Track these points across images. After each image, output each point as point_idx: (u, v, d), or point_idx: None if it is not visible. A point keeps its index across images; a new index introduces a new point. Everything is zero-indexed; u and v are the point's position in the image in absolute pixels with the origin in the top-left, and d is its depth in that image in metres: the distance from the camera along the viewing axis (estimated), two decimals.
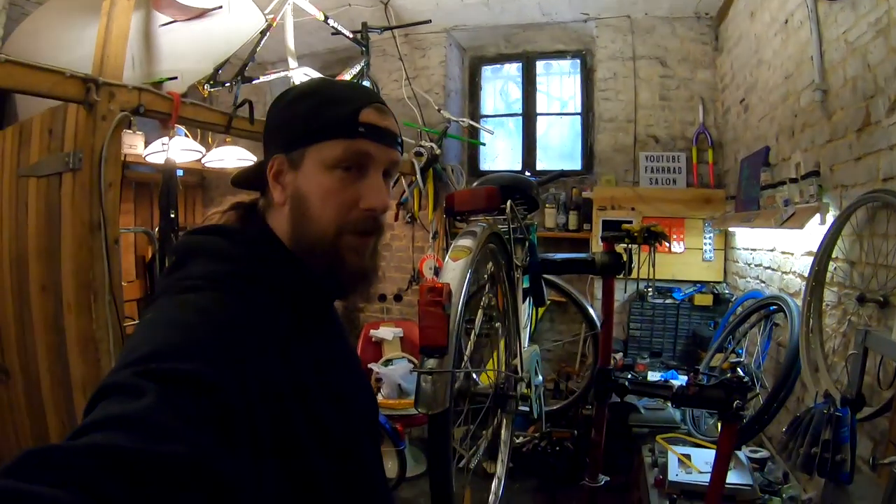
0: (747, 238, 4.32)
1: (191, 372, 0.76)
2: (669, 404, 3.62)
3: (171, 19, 3.09)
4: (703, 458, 2.97)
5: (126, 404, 0.70)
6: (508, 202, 2.43)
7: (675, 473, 2.88)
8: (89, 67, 2.37)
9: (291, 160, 1.04)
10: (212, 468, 0.69)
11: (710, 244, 4.95)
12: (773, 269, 3.65)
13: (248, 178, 1.18)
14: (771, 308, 3.41)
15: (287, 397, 0.91)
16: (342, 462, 1.01)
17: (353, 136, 1.02)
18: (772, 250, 3.67)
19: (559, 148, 6.23)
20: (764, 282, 3.84)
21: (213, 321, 0.88)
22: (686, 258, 5.00)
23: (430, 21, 5.11)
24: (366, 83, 4.36)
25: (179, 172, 5.64)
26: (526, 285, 2.82)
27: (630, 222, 4.79)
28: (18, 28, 3.53)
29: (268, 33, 3.49)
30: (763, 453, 3.12)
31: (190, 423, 0.71)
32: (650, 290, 4.85)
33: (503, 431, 2.62)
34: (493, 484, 2.58)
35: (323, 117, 1.03)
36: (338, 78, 4.03)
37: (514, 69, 6.35)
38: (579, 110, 6.01)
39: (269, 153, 1.08)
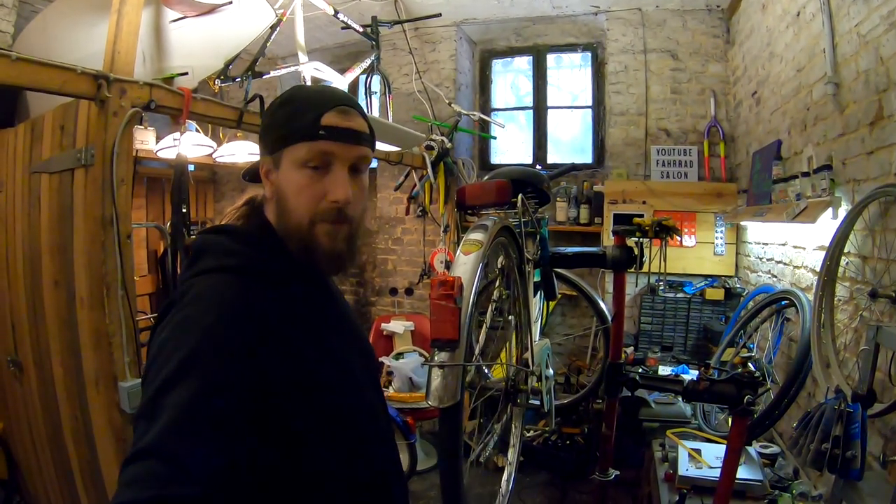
0: (759, 232, 4.30)
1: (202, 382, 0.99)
2: (680, 399, 3.62)
3: (182, 15, 3.09)
4: (714, 454, 2.96)
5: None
6: (520, 196, 2.42)
7: (686, 468, 2.88)
8: (100, 64, 2.38)
9: (274, 161, 1.25)
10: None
11: (721, 238, 4.92)
12: (784, 264, 3.64)
13: (254, 174, 1.39)
14: (782, 303, 3.39)
15: (289, 373, 1.11)
16: (346, 414, 1.24)
17: (314, 138, 1.19)
18: (783, 244, 3.65)
19: (570, 141, 6.22)
20: (776, 276, 3.82)
21: (225, 303, 1.10)
22: (697, 252, 4.98)
23: (440, 15, 5.10)
24: (376, 77, 4.35)
25: (191, 167, 5.67)
26: (537, 279, 2.82)
27: (641, 216, 4.76)
28: (29, 25, 3.55)
29: (278, 28, 3.49)
30: (773, 449, 3.11)
31: (218, 427, 0.97)
32: (661, 284, 4.84)
33: (514, 425, 2.62)
34: (504, 477, 2.58)
35: (292, 123, 1.21)
36: (347, 73, 4.04)
37: (524, 62, 6.33)
38: (590, 104, 5.99)
39: (261, 154, 1.31)
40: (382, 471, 1.34)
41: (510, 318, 2.47)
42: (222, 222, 1.36)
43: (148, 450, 0.91)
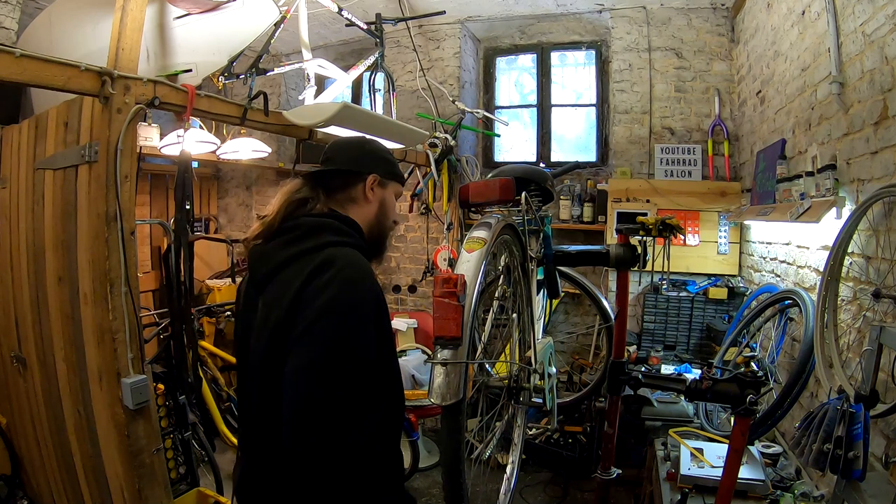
0: (763, 231, 4.29)
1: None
2: (682, 398, 3.62)
3: (186, 12, 3.09)
4: (716, 453, 2.96)
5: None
6: (523, 194, 2.42)
7: (688, 467, 2.88)
8: (104, 61, 2.39)
9: (382, 182, 1.87)
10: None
11: (725, 237, 4.92)
12: (788, 263, 3.63)
13: (342, 171, 1.84)
14: (786, 302, 3.39)
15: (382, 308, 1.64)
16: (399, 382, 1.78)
17: (402, 183, 2.00)
18: (787, 244, 3.65)
19: (574, 139, 6.21)
20: (779, 276, 3.82)
21: (366, 269, 1.62)
22: (701, 251, 4.97)
23: (444, 12, 5.09)
24: (380, 74, 4.35)
25: (194, 164, 5.69)
26: (540, 277, 2.82)
27: (645, 214, 4.79)
28: (33, 22, 3.54)
29: (282, 25, 3.48)
30: (776, 449, 3.11)
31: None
32: (665, 282, 4.84)
33: (516, 423, 2.62)
34: (506, 475, 2.59)
35: (396, 170, 1.94)
36: (351, 70, 4.04)
37: (528, 60, 6.32)
38: (594, 102, 5.98)
39: (367, 168, 1.84)
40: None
41: (513, 315, 2.47)
42: (291, 214, 1.74)
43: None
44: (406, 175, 5.47)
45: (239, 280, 1.98)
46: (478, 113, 5.24)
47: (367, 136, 2.02)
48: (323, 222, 1.68)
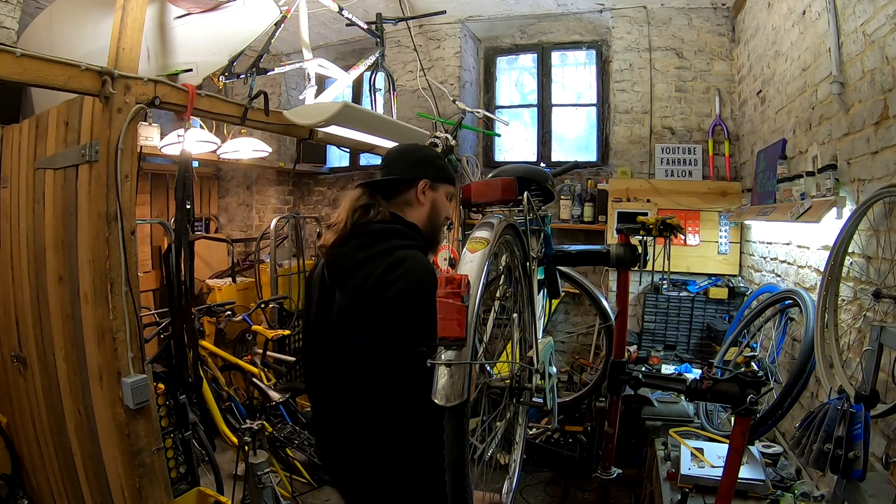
0: (763, 231, 4.29)
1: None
2: (683, 398, 3.62)
3: (186, 12, 3.09)
4: (716, 453, 2.96)
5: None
6: (525, 194, 2.42)
7: (688, 467, 2.88)
8: (105, 60, 2.39)
9: (433, 186, 2.11)
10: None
11: (725, 237, 4.92)
12: (788, 263, 3.63)
13: (396, 179, 2.09)
14: (786, 302, 3.39)
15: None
16: None
17: (454, 184, 2.20)
18: (788, 244, 3.65)
19: (574, 139, 6.21)
20: (779, 276, 3.82)
21: (427, 265, 1.90)
22: (701, 251, 4.97)
23: (445, 12, 5.09)
24: (380, 74, 4.34)
25: (195, 164, 5.69)
26: (541, 277, 2.81)
27: (645, 214, 4.79)
28: (34, 22, 3.55)
29: (282, 25, 3.48)
30: (776, 448, 3.11)
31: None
32: (665, 282, 4.84)
33: (517, 423, 2.62)
34: (507, 475, 2.59)
35: (447, 172, 2.18)
36: (352, 70, 4.03)
37: (529, 60, 6.33)
38: (595, 101, 5.98)
39: (418, 174, 2.08)
40: None
41: (514, 315, 2.46)
42: (358, 220, 1.99)
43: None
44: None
45: (310, 272, 2.23)
46: (478, 113, 5.24)
47: (419, 144, 2.38)
48: (390, 228, 1.99)
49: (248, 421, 3.30)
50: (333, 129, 3.44)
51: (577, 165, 4.02)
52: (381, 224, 2.00)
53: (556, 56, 6.16)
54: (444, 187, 2.15)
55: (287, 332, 5.11)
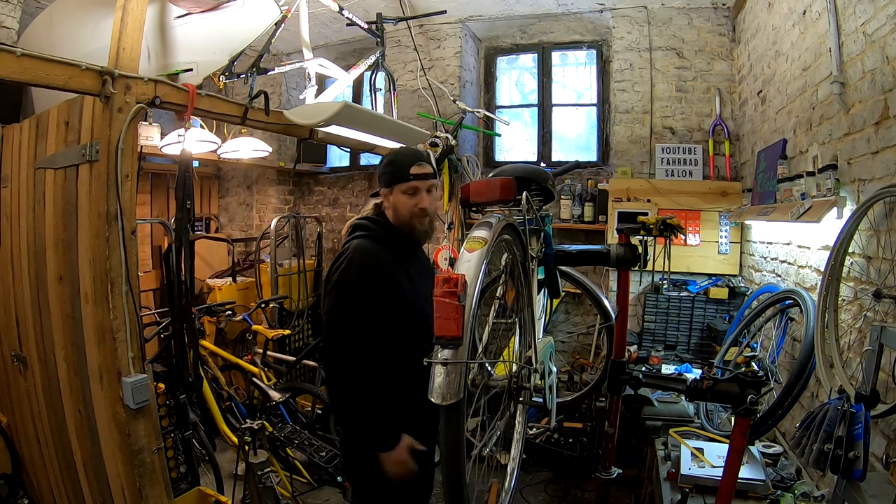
0: (763, 231, 4.29)
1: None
2: (683, 398, 3.62)
3: (186, 12, 3.09)
4: (716, 453, 2.96)
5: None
6: (524, 193, 2.42)
7: (688, 467, 2.88)
8: (105, 60, 2.39)
9: (390, 190, 2.51)
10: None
11: (725, 237, 4.92)
12: (789, 263, 3.63)
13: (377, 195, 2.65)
14: (786, 302, 3.39)
15: (387, 283, 2.39)
16: (414, 311, 2.43)
17: (408, 180, 2.47)
18: (788, 244, 3.65)
19: (575, 139, 6.21)
20: (780, 276, 3.81)
21: (362, 249, 2.41)
22: (702, 251, 4.97)
23: (445, 12, 5.08)
24: (381, 74, 4.34)
25: (195, 163, 5.69)
26: (541, 276, 2.81)
27: (646, 214, 4.78)
28: (34, 21, 3.55)
29: (282, 25, 3.48)
30: (776, 448, 3.11)
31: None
32: (665, 282, 4.84)
33: (517, 423, 2.62)
34: (507, 475, 2.58)
35: (396, 174, 2.49)
36: (352, 69, 4.03)
37: (529, 60, 6.33)
38: (595, 101, 5.98)
39: (380, 186, 2.56)
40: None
41: (514, 315, 2.47)
42: (363, 214, 2.62)
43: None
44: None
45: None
46: (479, 112, 5.24)
47: (386, 155, 2.64)
48: (356, 223, 2.58)
49: (248, 420, 3.30)
50: (334, 129, 3.44)
51: (577, 165, 4.02)
52: (359, 220, 2.59)
53: (556, 56, 6.17)
54: (398, 187, 2.49)
55: (287, 331, 5.11)
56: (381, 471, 2.34)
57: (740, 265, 4.91)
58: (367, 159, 6.71)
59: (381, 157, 2.85)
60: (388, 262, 2.43)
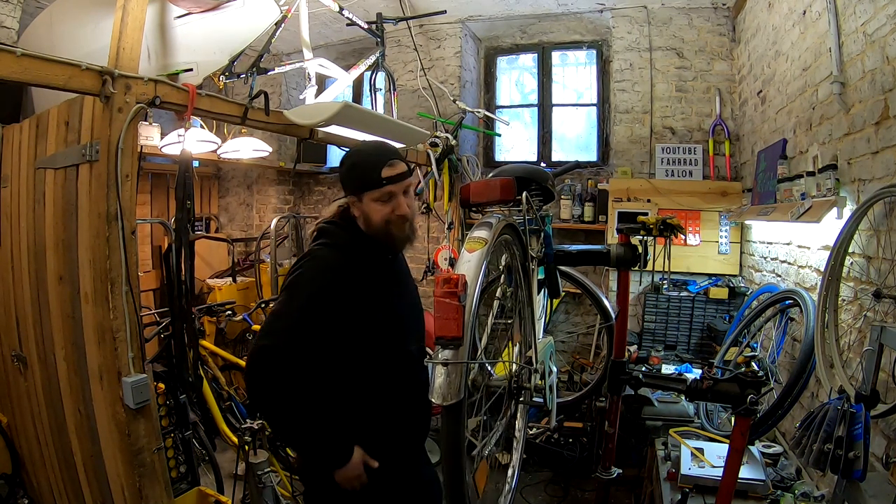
0: (763, 231, 4.29)
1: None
2: (683, 398, 3.62)
3: (186, 12, 3.09)
4: (716, 453, 2.96)
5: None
6: (524, 193, 2.42)
7: (688, 467, 2.88)
8: (105, 60, 2.38)
9: (358, 198, 2.14)
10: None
11: (725, 237, 4.92)
12: (789, 263, 3.63)
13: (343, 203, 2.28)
14: (786, 302, 3.39)
15: (350, 302, 2.05)
16: (386, 339, 2.18)
17: (380, 186, 2.10)
18: (788, 244, 3.65)
19: (575, 139, 6.21)
20: (780, 276, 3.81)
21: (320, 263, 2.09)
22: (702, 251, 4.97)
23: (445, 11, 5.08)
24: (381, 74, 4.34)
25: (195, 163, 5.69)
26: (541, 276, 2.82)
27: (646, 214, 4.78)
28: (34, 21, 3.54)
29: (283, 24, 3.48)
30: (776, 448, 3.11)
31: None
32: (665, 282, 4.84)
33: (517, 422, 2.62)
34: (507, 475, 2.59)
35: (365, 179, 2.12)
36: (352, 69, 4.03)
37: (529, 60, 6.33)
38: (595, 101, 5.98)
39: (346, 193, 2.20)
40: (408, 397, 2.16)
41: (514, 315, 2.47)
42: (325, 216, 2.28)
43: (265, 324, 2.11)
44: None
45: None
46: (479, 112, 5.23)
47: (347, 155, 2.27)
48: (323, 228, 2.23)
49: (248, 420, 3.29)
50: (334, 129, 3.44)
51: (577, 165, 4.02)
52: (323, 224, 2.26)
53: (556, 56, 6.17)
54: (368, 195, 2.13)
55: None
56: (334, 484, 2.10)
57: (740, 265, 4.90)
58: None
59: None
60: (351, 279, 2.07)
